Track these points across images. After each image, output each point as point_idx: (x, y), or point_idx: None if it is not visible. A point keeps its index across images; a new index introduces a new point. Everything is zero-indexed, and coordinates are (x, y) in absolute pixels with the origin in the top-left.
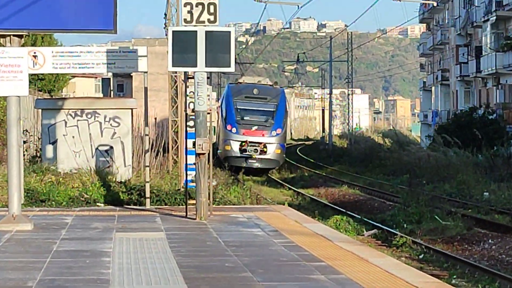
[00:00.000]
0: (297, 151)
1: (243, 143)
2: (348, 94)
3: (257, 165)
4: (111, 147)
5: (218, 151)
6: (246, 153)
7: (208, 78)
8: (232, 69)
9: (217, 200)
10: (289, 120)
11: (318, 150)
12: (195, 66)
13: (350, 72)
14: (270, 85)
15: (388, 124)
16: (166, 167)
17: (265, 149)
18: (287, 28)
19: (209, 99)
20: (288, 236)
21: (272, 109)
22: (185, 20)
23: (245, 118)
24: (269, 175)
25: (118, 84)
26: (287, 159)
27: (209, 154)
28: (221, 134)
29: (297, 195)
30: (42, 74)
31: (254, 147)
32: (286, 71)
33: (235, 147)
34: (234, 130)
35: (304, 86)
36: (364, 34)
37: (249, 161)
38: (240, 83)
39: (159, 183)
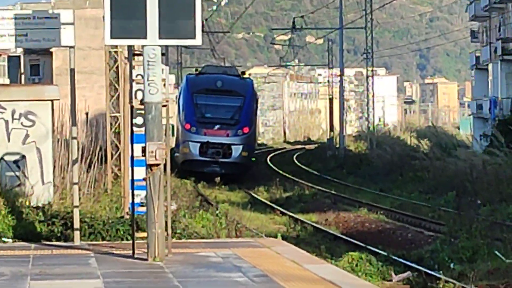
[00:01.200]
0: (294, 158)
1: (204, 145)
2: (368, 76)
3: (220, 170)
4: (23, 157)
5: (175, 154)
6: (207, 156)
7: (163, 55)
8: (198, 41)
9: (178, 232)
10: (283, 114)
11: (325, 157)
12: (144, 37)
13: (369, 44)
14: (237, 75)
15: (426, 119)
16: (104, 184)
17: (229, 152)
18: None
19: (165, 85)
20: (282, 283)
21: (238, 105)
22: None
23: (206, 115)
24: (254, 194)
25: (32, 64)
26: (280, 172)
27: (165, 165)
28: (179, 135)
29: (294, 223)
30: None
31: (217, 149)
32: (277, 43)
33: (194, 149)
34: (193, 129)
35: (303, 65)
36: None
37: (211, 165)
38: (202, 73)
39: (93, 208)
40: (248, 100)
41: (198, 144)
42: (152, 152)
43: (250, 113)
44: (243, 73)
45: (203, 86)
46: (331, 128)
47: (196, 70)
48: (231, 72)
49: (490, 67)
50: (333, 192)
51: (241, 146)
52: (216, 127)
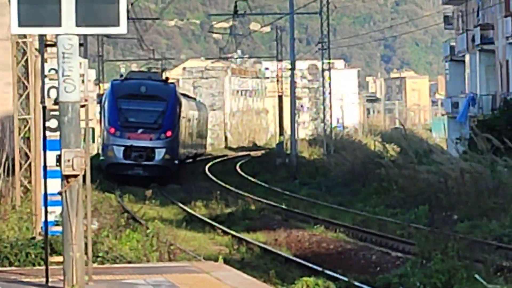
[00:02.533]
0: (237, 167)
1: (128, 148)
2: (323, 70)
3: (143, 173)
4: None
5: (101, 158)
6: (131, 159)
7: (81, 45)
8: (122, 29)
9: (100, 255)
10: (224, 115)
11: (273, 165)
12: (59, 25)
13: (325, 32)
14: (161, 80)
15: (392, 120)
16: (12, 200)
17: (152, 155)
18: None
19: (83, 81)
20: None
21: (161, 109)
22: None
23: (130, 119)
24: (190, 210)
25: None
26: (220, 183)
27: (85, 176)
28: (104, 139)
29: (238, 243)
30: None
31: (140, 153)
32: (216, 31)
33: (118, 153)
34: (117, 133)
35: (248, 57)
36: None
37: (135, 168)
38: (126, 79)
39: None
40: (171, 105)
41: (122, 148)
42: (68, 161)
43: (173, 117)
44: (167, 78)
45: (127, 91)
46: (281, 131)
47: (121, 76)
48: (155, 77)
49: (467, 58)
50: (283, 206)
51: (164, 150)
52: (140, 131)
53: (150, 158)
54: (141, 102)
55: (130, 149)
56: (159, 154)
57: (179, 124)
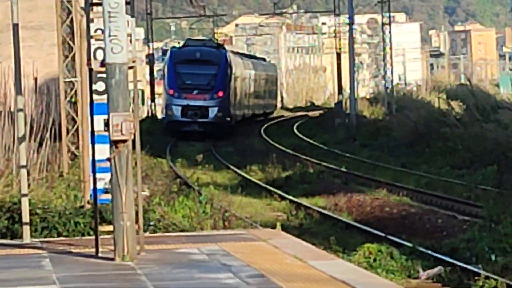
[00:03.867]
0: (294, 128)
1: (185, 108)
2: (383, 24)
3: (198, 128)
4: None
5: (162, 117)
6: (188, 117)
7: (128, 3)
8: None
9: (152, 223)
10: (279, 74)
11: (332, 126)
12: None
13: None
14: (214, 46)
15: (457, 76)
16: (59, 167)
17: (206, 113)
18: None
19: (131, 41)
20: (282, 284)
21: (214, 72)
22: None
23: (186, 82)
24: (245, 174)
25: None
26: (277, 145)
27: (134, 140)
28: (165, 100)
29: (296, 209)
30: None
31: (195, 111)
32: None
33: (177, 111)
34: (176, 94)
35: (304, 12)
36: None
37: (191, 125)
38: (184, 46)
39: (46, 196)
40: (222, 68)
41: (180, 107)
42: (117, 125)
43: (224, 79)
44: (219, 44)
45: (184, 57)
46: (340, 90)
47: (179, 43)
48: (210, 44)
49: None
50: (343, 169)
51: (216, 108)
52: (195, 92)
53: (204, 115)
54: (196, 66)
55: (187, 108)
56: (212, 112)
57: (230, 85)
